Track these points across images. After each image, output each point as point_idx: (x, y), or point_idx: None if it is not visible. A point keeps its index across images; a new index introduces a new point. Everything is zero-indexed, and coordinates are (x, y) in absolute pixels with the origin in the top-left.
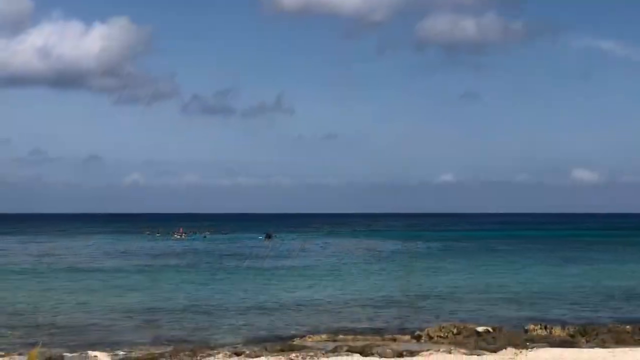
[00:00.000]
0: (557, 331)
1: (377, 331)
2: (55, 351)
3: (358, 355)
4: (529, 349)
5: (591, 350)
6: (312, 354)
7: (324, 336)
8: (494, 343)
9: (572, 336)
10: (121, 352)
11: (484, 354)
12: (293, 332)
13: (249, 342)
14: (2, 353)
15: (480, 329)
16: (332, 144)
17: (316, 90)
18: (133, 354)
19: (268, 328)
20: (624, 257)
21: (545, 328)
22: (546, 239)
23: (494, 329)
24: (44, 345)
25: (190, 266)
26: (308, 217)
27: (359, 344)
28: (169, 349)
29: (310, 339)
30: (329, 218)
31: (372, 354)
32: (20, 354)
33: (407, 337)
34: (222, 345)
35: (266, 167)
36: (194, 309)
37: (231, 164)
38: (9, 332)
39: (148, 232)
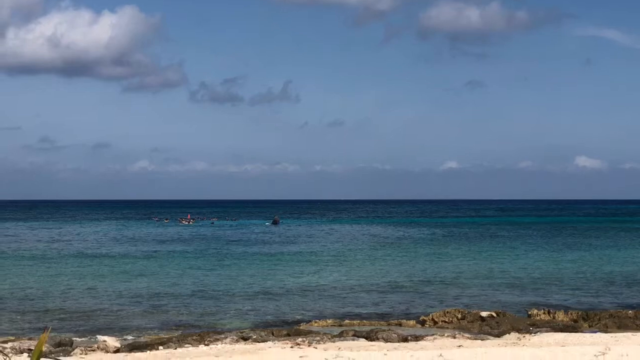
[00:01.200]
0: (560, 316)
1: (383, 316)
2: (64, 336)
3: (364, 339)
4: (532, 334)
5: (594, 334)
6: (318, 338)
7: (329, 321)
8: (497, 328)
9: (574, 321)
10: (129, 337)
11: (488, 339)
12: (299, 317)
13: (255, 326)
14: (12, 337)
15: (484, 313)
16: (337, 131)
17: (322, 78)
18: (141, 339)
19: (274, 313)
20: (624, 242)
21: (548, 313)
22: (547, 225)
23: (497, 314)
24: (53, 329)
25: (197, 252)
26: (314, 203)
27: (365, 328)
28: (177, 333)
29: (316, 324)
30: (335, 204)
31: (377, 339)
32: (30, 339)
33: (412, 322)
34: (229, 330)
35: (273, 154)
36: (201, 294)
37: (238, 151)
38: (19, 316)
39: (156, 219)
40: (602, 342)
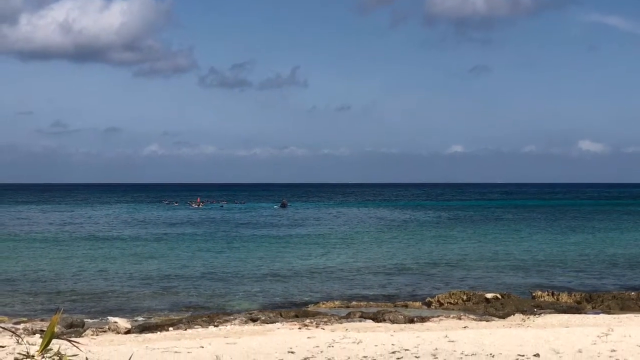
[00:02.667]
0: (564, 297)
1: (389, 298)
2: (76, 317)
3: (371, 321)
4: (536, 315)
5: (597, 316)
6: (325, 319)
7: (337, 302)
8: (502, 309)
9: (578, 302)
10: (140, 318)
11: (493, 320)
12: (307, 298)
13: (264, 308)
14: (25, 319)
15: (489, 295)
16: (344, 115)
17: (330, 64)
18: (152, 320)
19: (283, 294)
20: (627, 225)
21: (552, 295)
22: (550, 208)
23: (502, 296)
24: (65, 311)
25: (207, 235)
26: (322, 186)
27: (371, 310)
28: (187, 315)
29: (324, 306)
30: (342, 187)
31: (384, 320)
32: (42, 320)
33: (418, 303)
34: (238, 312)
35: (281, 138)
36: (211, 276)
37: (247, 135)
38: (31, 298)
39: (166, 202)
40: (605, 323)
